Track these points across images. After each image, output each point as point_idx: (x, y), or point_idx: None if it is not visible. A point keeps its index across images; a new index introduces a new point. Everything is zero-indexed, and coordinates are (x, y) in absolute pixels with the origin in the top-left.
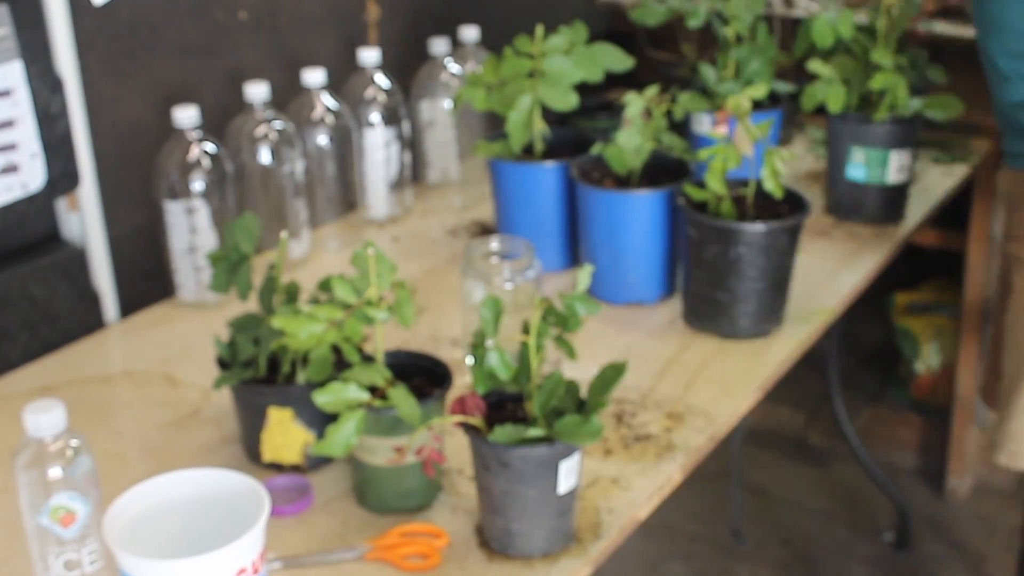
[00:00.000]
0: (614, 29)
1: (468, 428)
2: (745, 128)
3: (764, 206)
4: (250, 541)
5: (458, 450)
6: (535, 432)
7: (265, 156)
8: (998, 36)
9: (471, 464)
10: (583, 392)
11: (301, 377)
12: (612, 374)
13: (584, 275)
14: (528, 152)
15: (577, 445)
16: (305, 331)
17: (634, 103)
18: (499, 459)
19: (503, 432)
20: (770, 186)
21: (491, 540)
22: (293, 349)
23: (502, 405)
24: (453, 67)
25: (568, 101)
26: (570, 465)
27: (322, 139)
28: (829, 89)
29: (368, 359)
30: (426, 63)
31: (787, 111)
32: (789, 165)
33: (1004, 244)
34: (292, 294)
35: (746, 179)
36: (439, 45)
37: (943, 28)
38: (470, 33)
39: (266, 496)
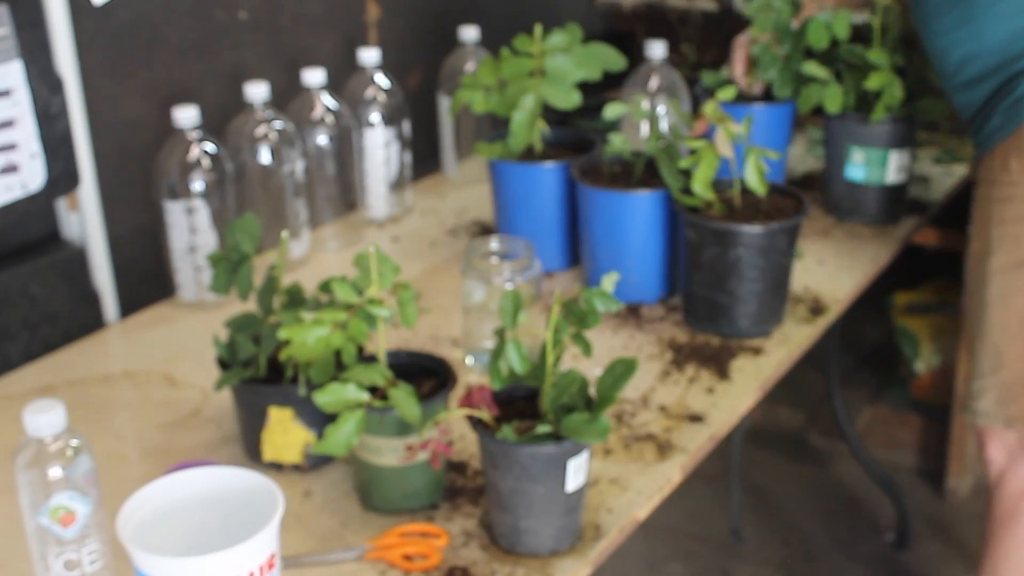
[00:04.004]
0: (613, 29)
1: (477, 425)
2: (725, 131)
3: (757, 206)
4: (265, 538)
5: (459, 451)
6: (543, 429)
7: (265, 156)
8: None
9: (472, 463)
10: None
11: (303, 390)
12: (623, 370)
13: (608, 282)
14: (528, 152)
15: (584, 443)
16: (312, 336)
17: (614, 110)
18: (507, 456)
19: (511, 430)
20: (754, 185)
21: (499, 537)
22: (301, 357)
23: (513, 402)
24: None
25: (571, 99)
26: (579, 463)
27: (322, 139)
28: (826, 90)
29: (369, 359)
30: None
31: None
32: (789, 164)
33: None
34: (296, 298)
35: (731, 180)
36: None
37: None
38: (470, 33)
39: (280, 493)
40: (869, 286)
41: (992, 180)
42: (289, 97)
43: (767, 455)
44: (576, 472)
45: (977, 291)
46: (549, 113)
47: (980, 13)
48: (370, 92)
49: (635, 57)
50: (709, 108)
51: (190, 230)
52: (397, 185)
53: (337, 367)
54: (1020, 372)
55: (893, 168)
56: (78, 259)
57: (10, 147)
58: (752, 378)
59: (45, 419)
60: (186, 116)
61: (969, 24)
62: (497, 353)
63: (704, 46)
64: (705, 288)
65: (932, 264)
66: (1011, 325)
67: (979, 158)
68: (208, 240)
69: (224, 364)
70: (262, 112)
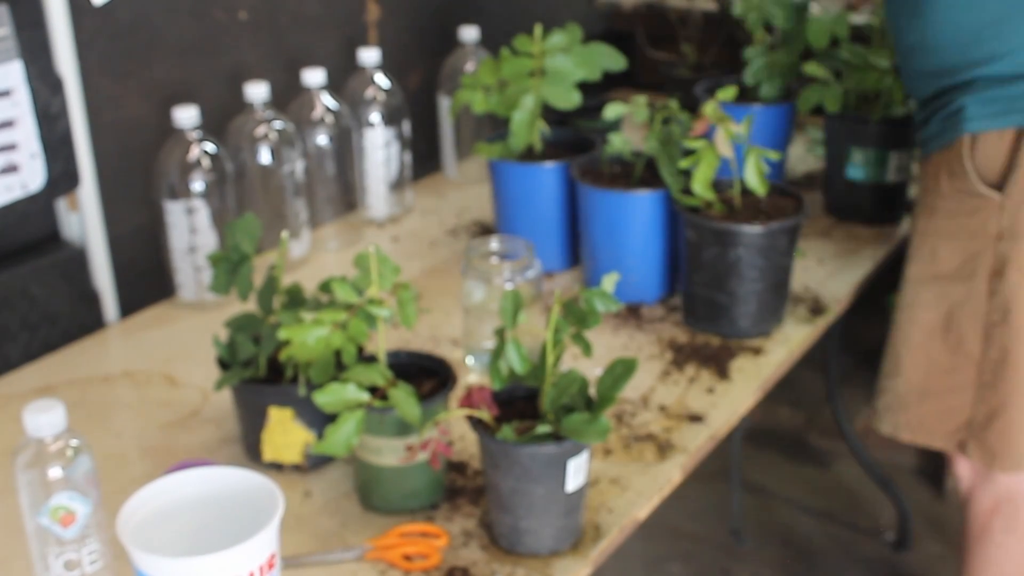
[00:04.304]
0: (613, 29)
1: (477, 425)
2: (725, 131)
3: (757, 206)
4: (265, 538)
5: (458, 451)
6: (543, 429)
7: (265, 156)
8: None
9: (472, 463)
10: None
11: (303, 390)
12: (623, 370)
13: (608, 282)
14: (528, 152)
15: (584, 443)
16: (312, 336)
17: (615, 110)
18: (507, 456)
19: (511, 430)
20: (754, 185)
21: (499, 538)
22: (301, 357)
23: (513, 402)
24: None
25: (571, 99)
26: (578, 463)
27: (322, 139)
28: (826, 90)
29: (369, 359)
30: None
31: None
32: (789, 164)
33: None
34: (296, 298)
35: (731, 180)
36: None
37: None
38: (470, 33)
39: (280, 493)
40: (869, 286)
41: (925, 187)
42: (289, 97)
43: (767, 455)
44: (576, 472)
45: (899, 291)
46: (549, 113)
47: (927, 11)
48: (370, 92)
49: (635, 57)
50: (709, 108)
51: (190, 230)
52: (397, 185)
53: (337, 367)
54: (913, 383)
55: (893, 168)
56: (78, 259)
57: (10, 147)
58: (752, 378)
59: (45, 419)
60: (186, 116)
61: (919, 17)
62: (497, 353)
63: (704, 46)
64: (705, 288)
65: None
66: (913, 336)
67: (921, 158)
68: (208, 240)
69: (224, 364)
70: (262, 112)
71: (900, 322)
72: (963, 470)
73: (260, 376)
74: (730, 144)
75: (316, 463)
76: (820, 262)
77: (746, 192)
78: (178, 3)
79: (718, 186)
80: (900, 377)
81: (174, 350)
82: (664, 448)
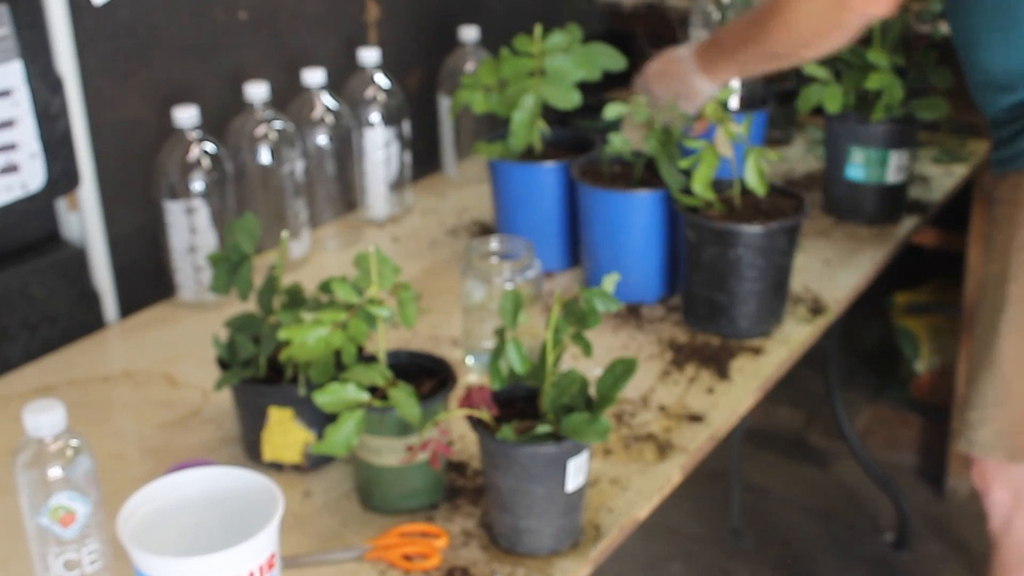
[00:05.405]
0: (613, 29)
1: (477, 425)
2: (726, 131)
3: (757, 206)
4: (265, 538)
5: (458, 451)
6: (543, 429)
7: (265, 156)
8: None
9: (472, 463)
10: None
11: (303, 390)
12: (623, 370)
13: (608, 282)
14: (528, 152)
15: (584, 443)
16: (312, 336)
17: (615, 110)
18: (507, 457)
19: (511, 429)
20: (754, 185)
21: (499, 537)
22: (301, 357)
23: (513, 402)
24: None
25: (571, 99)
26: (578, 463)
27: (322, 139)
28: (826, 90)
29: (369, 359)
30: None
31: (788, 111)
32: (789, 164)
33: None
34: (296, 298)
35: (731, 180)
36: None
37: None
38: (470, 33)
39: (280, 493)
40: (869, 286)
41: (1018, 201)
42: (289, 97)
43: (767, 455)
44: (576, 472)
45: (991, 315)
46: (549, 113)
47: (1017, 23)
48: (370, 92)
49: (635, 57)
50: (709, 108)
51: (190, 230)
52: (397, 185)
53: (337, 367)
54: None
55: (893, 168)
56: (78, 259)
57: (10, 147)
58: (752, 378)
59: (45, 419)
60: (186, 116)
61: (1006, 31)
62: (497, 353)
63: None
64: (705, 288)
65: (932, 264)
66: None
67: (1001, 174)
68: (208, 240)
69: (224, 364)
70: (262, 112)
71: (1006, 346)
72: (1000, 495)
73: (260, 376)
74: (730, 144)
75: (316, 463)
76: (820, 262)
77: (746, 192)
78: (178, 3)
79: (718, 186)
80: (1012, 402)
81: (174, 350)
82: (664, 448)
